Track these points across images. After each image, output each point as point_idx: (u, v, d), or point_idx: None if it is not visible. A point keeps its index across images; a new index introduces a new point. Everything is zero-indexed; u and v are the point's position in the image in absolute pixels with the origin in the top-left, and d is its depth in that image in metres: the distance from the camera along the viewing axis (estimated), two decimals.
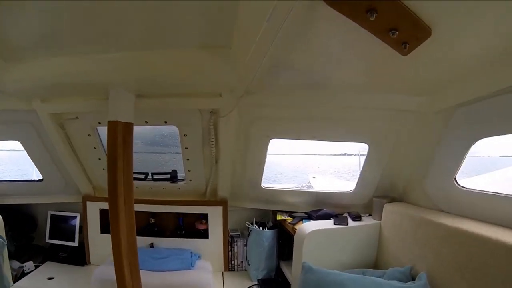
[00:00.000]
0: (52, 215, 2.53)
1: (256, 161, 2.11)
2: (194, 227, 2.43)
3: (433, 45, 1.02)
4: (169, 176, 2.28)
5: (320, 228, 1.84)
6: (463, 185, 1.53)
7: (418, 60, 1.14)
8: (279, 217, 2.31)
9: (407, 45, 1.01)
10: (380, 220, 1.96)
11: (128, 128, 1.61)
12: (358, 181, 2.15)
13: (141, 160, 2.49)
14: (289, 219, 2.26)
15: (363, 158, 2.05)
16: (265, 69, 1.32)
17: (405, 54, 1.05)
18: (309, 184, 4.51)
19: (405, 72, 1.31)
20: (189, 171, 2.16)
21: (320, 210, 2.20)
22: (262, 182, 2.24)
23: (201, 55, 1.36)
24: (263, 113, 1.84)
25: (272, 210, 2.46)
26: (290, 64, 1.31)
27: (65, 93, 1.75)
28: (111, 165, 1.56)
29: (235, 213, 2.49)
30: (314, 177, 4.80)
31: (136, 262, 1.70)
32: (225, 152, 1.99)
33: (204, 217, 2.38)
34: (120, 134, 1.57)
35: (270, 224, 2.45)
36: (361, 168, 2.08)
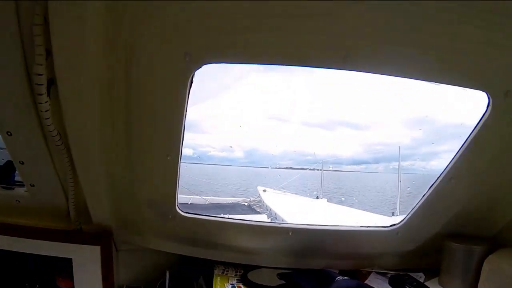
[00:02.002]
0: None
1: (158, 139, 0.93)
2: (53, 282, 1.25)
3: None
4: None
5: None
6: None
7: None
8: (218, 285, 1.14)
9: None
10: None
11: None
12: (418, 206, 1.06)
13: None
14: None
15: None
16: None
17: None
18: (258, 197, 3.79)
19: None
20: (22, 163, 1.01)
21: (316, 272, 1.16)
22: (177, 199, 1.08)
23: None
24: None
25: (207, 260, 1.28)
26: None
27: None
28: None
29: (133, 257, 1.27)
30: (264, 190, 4.14)
31: None
32: (76, 112, 0.80)
33: (67, 264, 1.20)
34: None
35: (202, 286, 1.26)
36: (442, 174, 1.00)
